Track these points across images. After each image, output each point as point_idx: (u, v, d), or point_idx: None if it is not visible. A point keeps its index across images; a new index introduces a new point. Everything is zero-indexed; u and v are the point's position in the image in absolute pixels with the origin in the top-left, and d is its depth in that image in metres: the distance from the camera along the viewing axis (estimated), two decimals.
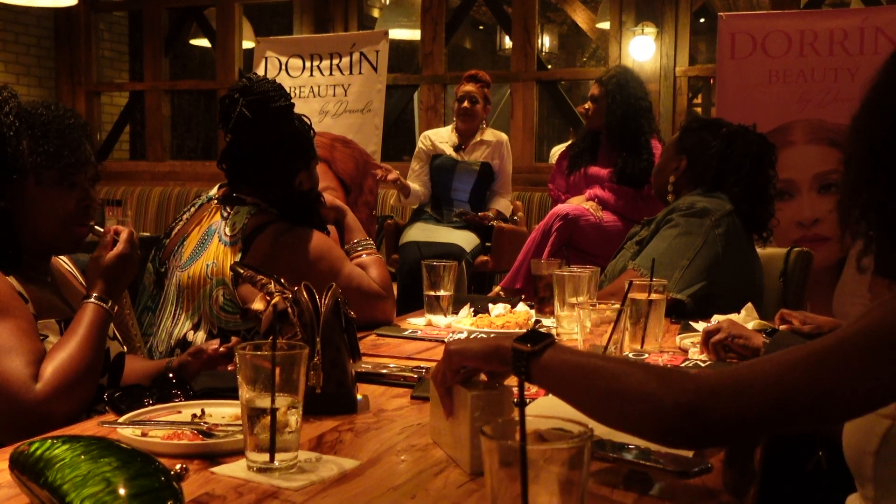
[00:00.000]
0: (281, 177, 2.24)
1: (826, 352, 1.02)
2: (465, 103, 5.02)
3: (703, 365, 1.86)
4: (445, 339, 2.17)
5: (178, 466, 1.08)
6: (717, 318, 2.10)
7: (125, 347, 1.82)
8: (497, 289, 4.40)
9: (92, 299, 1.67)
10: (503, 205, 5.12)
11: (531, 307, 2.49)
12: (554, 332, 2.26)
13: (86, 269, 1.75)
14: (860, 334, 1.01)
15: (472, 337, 1.33)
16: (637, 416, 1.07)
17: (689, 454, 1.15)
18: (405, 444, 1.31)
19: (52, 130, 1.70)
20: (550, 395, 1.16)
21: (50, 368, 1.55)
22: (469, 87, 5.03)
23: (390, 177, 4.78)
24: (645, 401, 1.05)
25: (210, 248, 2.17)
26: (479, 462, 1.10)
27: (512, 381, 1.22)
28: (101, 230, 1.78)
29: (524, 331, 1.19)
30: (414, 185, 5.03)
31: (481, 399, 1.19)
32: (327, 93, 5.88)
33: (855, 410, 1.05)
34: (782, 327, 2.07)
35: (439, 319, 2.39)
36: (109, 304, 1.69)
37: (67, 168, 1.70)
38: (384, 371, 1.74)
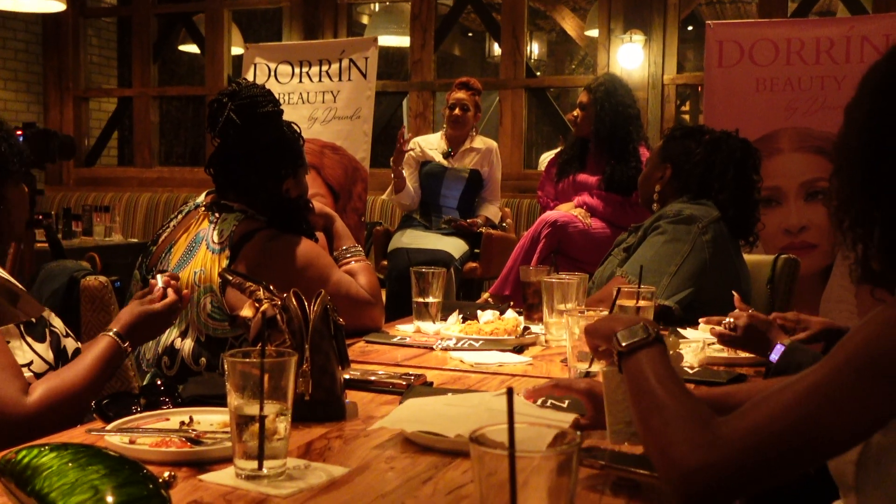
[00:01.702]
0: (267, 182, 2.24)
1: (819, 390, 1.03)
2: (457, 111, 5.03)
3: (690, 373, 1.87)
4: (434, 346, 2.17)
5: (166, 474, 1.08)
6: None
7: (79, 343, 1.84)
8: (486, 295, 4.41)
9: (111, 333, 1.72)
10: (492, 211, 5.12)
11: (520, 314, 2.50)
12: (542, 338, 2.27)
13: (123, 308, 1.82)
14: (846, 364, 1.02)
15: (609, 315, 1.44)
16: (653, 452, 1.08)
17: None
18: (394, 452, 1.31)
19: (7, 132, 1.78)
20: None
21: (44, 388, 1.56)
22: (460, 95, 5.04)
23: (406, 147, 4.87)
24: (660, 441, 1.07)
25: (198, 255, 2.17)
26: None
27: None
28: (160, 285, 1.84)
29: (639, 320, 1.24)
30: (407, 183, 5.03)
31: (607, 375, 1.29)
32: (316, 99, 5.87)
33: (853, 440, 1.06)
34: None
35: (428, 326, 2.39)
36: (126, 345, 1.72)
37: (27, 164, 1.82)
38: (373, 378, 1.74)
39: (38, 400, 1.53)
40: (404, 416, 1.37)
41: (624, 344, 1.18)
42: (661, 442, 1.06)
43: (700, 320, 2.22)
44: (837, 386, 1.02)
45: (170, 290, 1.82)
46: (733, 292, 2.24)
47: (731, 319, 2.03)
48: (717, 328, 2.06)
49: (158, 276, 1.86)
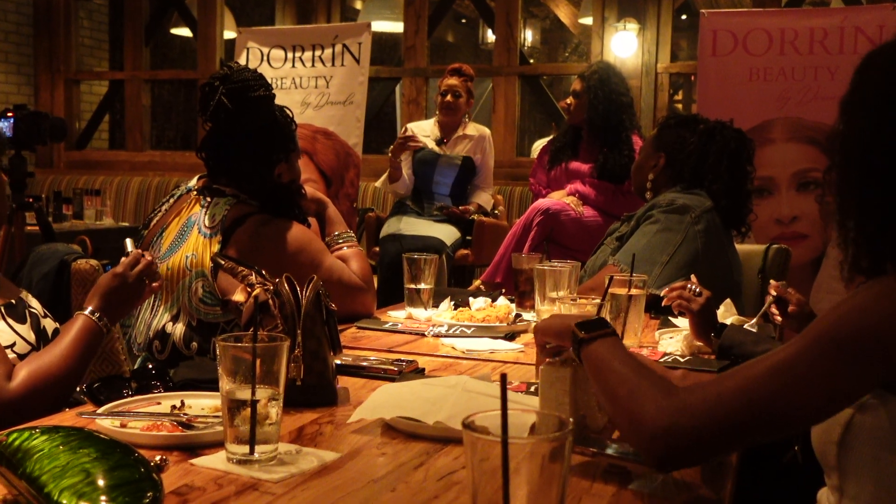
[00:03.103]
0: (259, 167, 2.23)
1: (786, 365, 1.06)
2: (449, 97, 5.02)
3: (682, 360, 1.88)
4: (425, 333, 2.17)
5: (157, 458, 1.07)
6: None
7: (57, 324, 1.83)
8: (477, 282, 4.41)
9: (85, 312, 1.71)
10: (484, 199, 5.12)
11: (512, 301, 2.50)
12: (534, 325, 2.27)
13: (96, 283, 1.81)
14: (816, 343, 1.06)
15: (560, 312, 1.46)
16: (622, 422, 1.13)
17: None
18: (385, 437, 1.31)
19: None
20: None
21: (26, 370, 1.56)
22: (452, 81, 5.03)
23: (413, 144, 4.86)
24: (627, 408, 1.11)
25: (189, 239, 2.16)
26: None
27: None
28: (130, 250, 1.84)
29: (593, 316, 1.28)
30: (403, 173, 5.03)
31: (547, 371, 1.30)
32: (309, 84, 5.85)
33: (818, 416, 1.11)
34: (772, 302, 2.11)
35: (420, 313, 2.40)
36: (103, 321, 1.71)
37: (5, 154, 1.82)
38: (364, 364, 1.74)
39: (21, 384, 1.53)
40: (381, 402, 1.36)
41: (583, 333, 1.21)
42: (629, 407, 1.10)
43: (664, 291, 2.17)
44: (806, 362, 1.05)
45: (142, 256, 1.82)
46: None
47: (698, 288, 2.03)
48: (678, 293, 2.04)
49: (128, 241, 1.85)
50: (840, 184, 1.16)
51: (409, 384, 1.46)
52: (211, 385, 1.41)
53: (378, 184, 5.22)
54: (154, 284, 1.86)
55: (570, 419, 0.88)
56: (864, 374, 1.05)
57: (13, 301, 1.71)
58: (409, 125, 5.31)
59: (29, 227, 4.38)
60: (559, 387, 1.27)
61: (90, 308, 1.72)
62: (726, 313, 2.18)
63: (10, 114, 4.28)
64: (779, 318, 2.11)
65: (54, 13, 7.65)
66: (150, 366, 1.61)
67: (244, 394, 1.15)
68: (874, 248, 1.11)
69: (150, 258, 1.84)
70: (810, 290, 4.62)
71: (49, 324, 1.78)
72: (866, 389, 1.08)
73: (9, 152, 1.72)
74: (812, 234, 4.69)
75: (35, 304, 1.79)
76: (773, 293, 2.12)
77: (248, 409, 1.15)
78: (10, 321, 1.67)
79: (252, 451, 1.15)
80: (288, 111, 2.32)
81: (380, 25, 7.68)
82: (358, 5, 9.59)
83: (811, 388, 1.05)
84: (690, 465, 1.15)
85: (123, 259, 1.82)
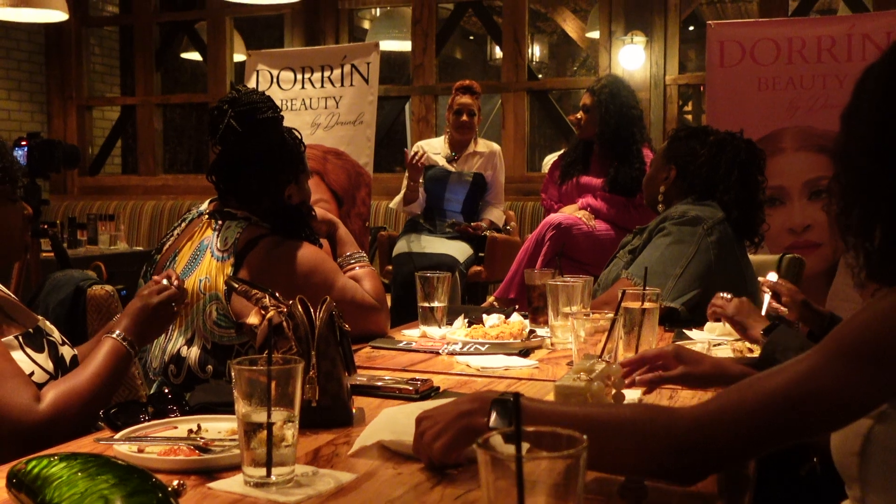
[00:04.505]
0: (268, 188, 2.25)
1: (809, 374, 1.07)
2: (464, 116, 5.05)
3: None
4: (440, 351, 2.18)
5: (175, 482, 1.08)
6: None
7: (75, 350, 1.84)
8: (491, 299, 4.41)
9: (113, 335, 1.72)
10: (496, 215, 5.13)
11: (525, 317, 2.50)
12: (548, 341, 2.27)
13: (125, 307, 1.83)
14: (837, 351, 1.06)
15: (420, 422, 1.25)
16: (633, 459, 1.11)
17: None
18: (401, 458, 1.31)
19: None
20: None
21: (53, 392, 1.57)
22: (466, 100, 5.05)
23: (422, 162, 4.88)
24: (639, 446, 1.09)
25: (202, 263, 2.18)
26: None
27: None
28: (158, 277, 1.86)
29: (482, 396, 1.17)
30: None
31: None
32: (319, 105, 5.89)
33: (839, 423, 1.11)
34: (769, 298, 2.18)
35: (434, 331, 2.40)
36: (130, 344, 1.73)
37: (17, 183, 1.78)
38: (379, 383, 1.74)
39: (49, 406, 1.54)
40: (379, 428, 1.37)
41: (505, 420, 1.11)
42: (638, 438, 1.09)
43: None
44: (828, 372, 1.06)
45: (168, 282, 1.84)
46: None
47: (728, 295, 2.12)
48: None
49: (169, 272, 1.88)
50: (846, 193, 1.16)
51: (406, 409, 1.47)
52: (227, 408, 1.41)
53: (392, 205, 5.23)
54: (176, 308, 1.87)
55: (585, 436, 0.88)
56: (885, 382, 1.05)
57: (31, 330, 1.72)
58: (420, 143, 5.32)
59: (44, 254, 4.41)
60: (574, 403, 1.27)
61: (117, 331, 1.74)
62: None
63: (24, 142, 4.32)
64: (784, 310, 2.16)
65: (65, 41, 7.72)
66: (167, 390, 1.61)
67: (260, 416, 1.15)
68: (889, 258, 1.11)
69: (178, 283, 1.86)
70: (825, 298, 4.59)
71: (67, 351, 1.79)
72: (887, 398, 1.07)
73: (24, 180, 1.72)
74: (825, 243, 4.67)
75: (54, 332, 1.79)
76: (767, 289, 2.18)
77: (265, 432, 1.15)
78: (29, 350, 1.68)
79: (269, 474, 1.15)
80: (296, 133, 2.34)
81: (388, 45, 7.72)
82: (366, 25, 9.65)
83: (833, 397, 1.05)
84: (712, 474, 1.15)
85: (152, 284, 1.84)
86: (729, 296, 2.12)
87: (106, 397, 1.65)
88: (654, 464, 1.10)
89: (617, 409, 1.15)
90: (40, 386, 1.64)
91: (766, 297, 2.19)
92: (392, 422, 1.39)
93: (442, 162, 5.10)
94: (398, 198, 5.09)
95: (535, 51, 11.47)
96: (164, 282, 1.85)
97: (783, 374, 1.09)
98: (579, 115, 4.69)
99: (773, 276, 2.31)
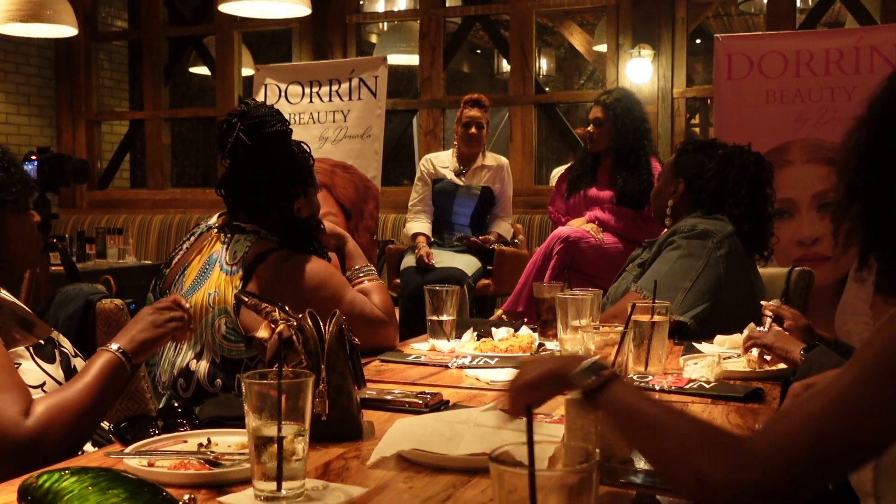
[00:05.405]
0: (278, 202, 2.25)
1: (847, 394, 1.02)
2: (473, 129, 5.05)
3: (707, 387, 1.86)
4: (449, 364, 2.17)
5: (185, 496, 1.08)
6: (750, 328, 2.14)
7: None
8: (499, 312, 4.40)
9: (110, 348, 1.69)
10: (504, 228, 5.13)
11: (534, 330, 2.49)
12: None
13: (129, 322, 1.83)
14: (871, 367, 1.01)
15: (529, 362, 1.30)
16: (684, 484, 1.07)
17: None
18: (412, 471, 1.31)
19: (9, 160, 1.76)
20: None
21: (43, 405, 1.53)
22: (475, 113, 5.06)
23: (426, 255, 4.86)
24: (690, 472, 1.05)
25: (211, 277, 2.18)
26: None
27: None
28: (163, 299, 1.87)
29: (581, 357, 1.19)
30: (423, 226, 5.06)
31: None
32: (327, 119, 5.90)
33: (887, 443, 1.05)
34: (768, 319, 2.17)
35: (443, 344, 2.39)
36: (125, 356, 1.70)
37: (31, 192, 1.81)
38: (389, 397, 1.74)
39: (36, 421, 1.50)
40: (398, 438, 1.37)
41: (593, 379, 1.13)
42: (693, 470, 1.04)
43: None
44: (865, 392, 1.01)
45: (177, 304, 1.83)
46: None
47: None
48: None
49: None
50: (847, 192, 1.16)
51: (421, 419, 1.47)
52: (237, 422, 1.41)
53: (406, 230, 5.23)
54: (177, 331, 1.85)
55: (597, 450, 0.88)
56: None
57: (42, 341, 1.72)
58: (428, 156, 5.34)
59: (53, 268, 4.43)
60: (586, 417, 1.26)
61: (115, 345, 1.71)
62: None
63: (33, 157, 4.34)
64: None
65: (74, 55, 7.77)
66: (176, 404, 1.61)
67: (270, 430, 1.15)
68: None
69: (185, 305, 1.84)
70: (834, 311, 4.58)
71: (79, 363, 1.79)
72: None
73: (35, 192, 1.75)
74: (835, 256, 4.66)
75: (66, 344, 1.80)
76: (769, 313, 2.16)
77: (275, 446, 1.15)
78: (40, 361, 1.68)
79: (279, 488, 1.15)
80: (305, 146, 2.34)
81: (395, 59, 7.75)
82: (373, 39, 9.68)
83: (876, 412, 1.01)
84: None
85: (160, 302, 1.83)
86: (765, 326, 2.10)
87: (99, 410, 1.62)
88: (711, 497, 1.04)
89: (678, 418, 1.09)
90: None
91: (768, 322, 2.17)
92: (408, 432, 1.39)
93: (450, 175, 5.11)
94: (410, 234, 5.11)
95: (543, 64, 11.48)
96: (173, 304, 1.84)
97: (824, 396, 1.03)
98: (590, 128, 4.68)
99: (775, 303, 2.29)
